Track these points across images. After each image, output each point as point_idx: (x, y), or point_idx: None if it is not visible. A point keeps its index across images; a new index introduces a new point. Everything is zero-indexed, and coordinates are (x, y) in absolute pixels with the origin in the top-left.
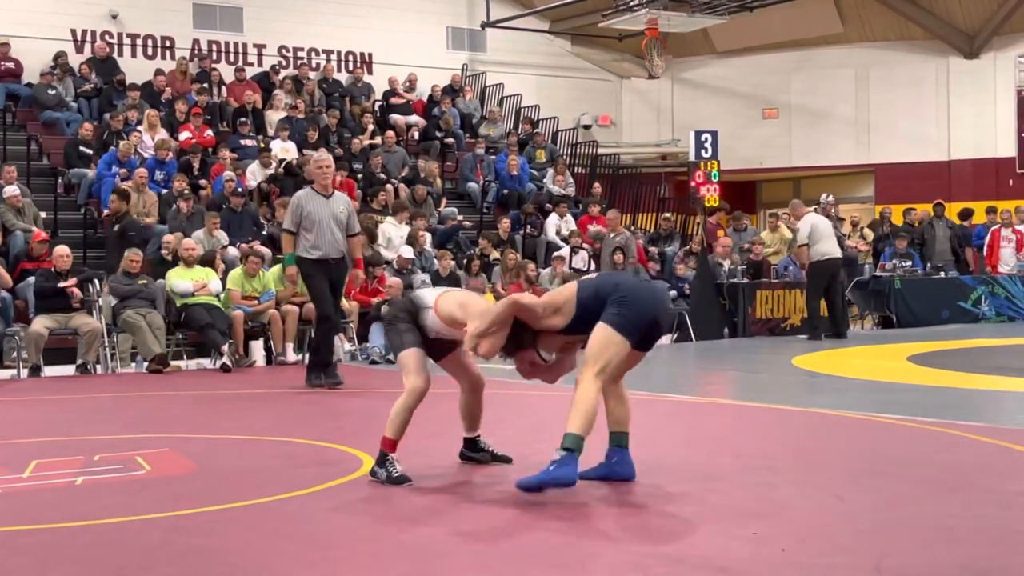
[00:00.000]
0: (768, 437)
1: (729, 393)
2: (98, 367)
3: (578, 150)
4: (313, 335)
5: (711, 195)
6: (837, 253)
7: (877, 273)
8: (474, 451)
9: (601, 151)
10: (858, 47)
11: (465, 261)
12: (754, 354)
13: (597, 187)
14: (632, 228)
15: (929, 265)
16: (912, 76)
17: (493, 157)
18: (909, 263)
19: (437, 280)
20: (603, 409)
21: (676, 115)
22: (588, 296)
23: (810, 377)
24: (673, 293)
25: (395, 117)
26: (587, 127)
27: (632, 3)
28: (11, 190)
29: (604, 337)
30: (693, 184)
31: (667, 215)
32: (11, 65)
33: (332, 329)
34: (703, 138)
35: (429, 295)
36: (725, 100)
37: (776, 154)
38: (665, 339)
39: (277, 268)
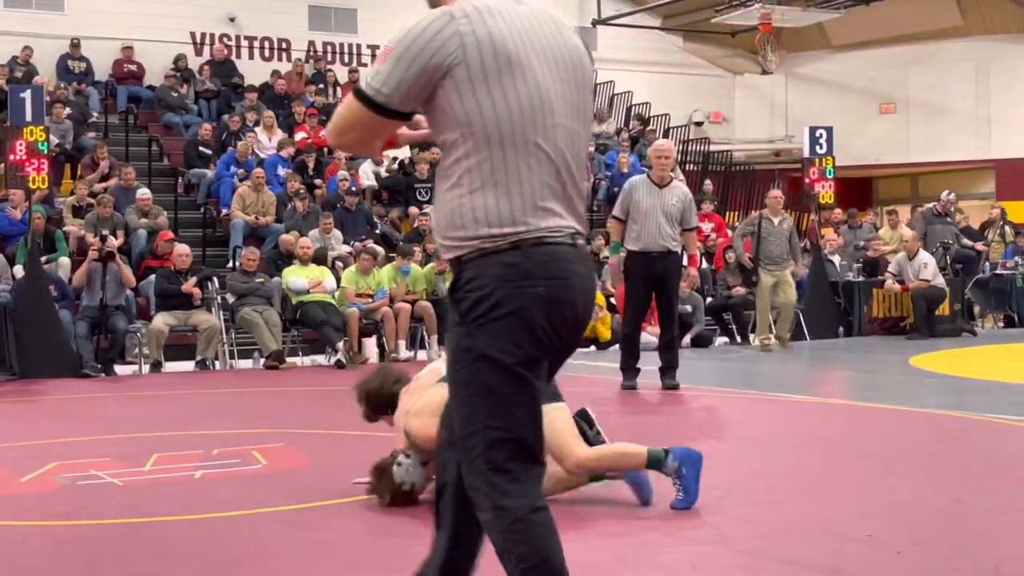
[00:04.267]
0: (885, 438)
1: (844, 393)
2: (216, 363)
3: (690, 147)
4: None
5: (826, 192)
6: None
7: (998, 271)
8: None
9: (713, 148)
10: (978, 40)
11: None
12: (870, 353)
13: (709, 184)
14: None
15: None
16: None
17: (604, 155)
18: None
19: None
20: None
21: (790, 111)
22: None
23: (928, 377)
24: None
25: None
26: (699, 124)
27: None
28: (142, 193)
29: (557, 418)
30: (807, 181)
31: None
32: (133, 68)
33: (632, 339)
34: (818, 134)
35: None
36: (840, 95)
37: (893, 150)
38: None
39: (390, 266)
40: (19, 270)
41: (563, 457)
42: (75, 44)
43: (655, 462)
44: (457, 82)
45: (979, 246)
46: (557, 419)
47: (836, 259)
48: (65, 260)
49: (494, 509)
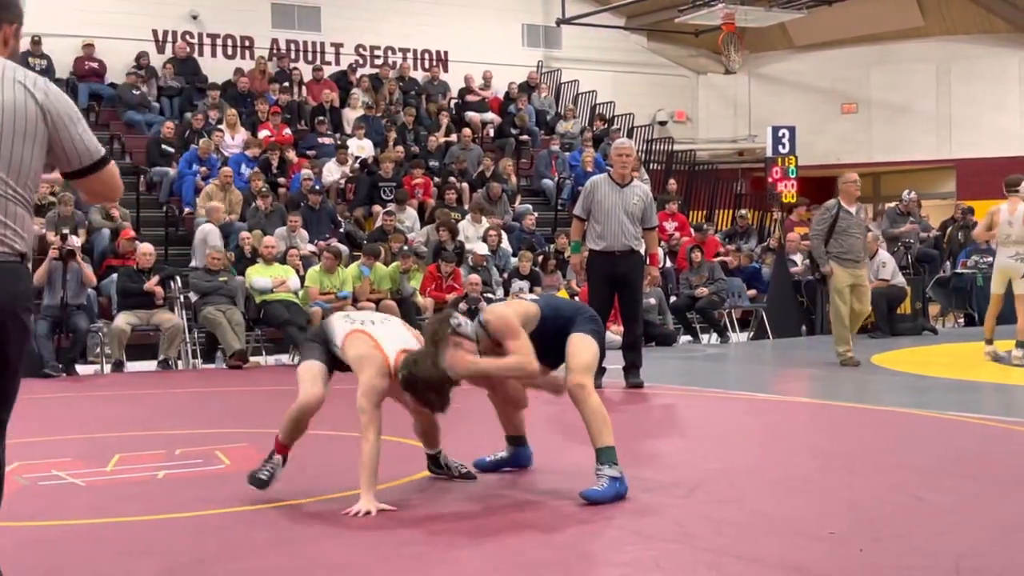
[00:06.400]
0: (845, 436)
1: (806, 392)
2: (179, 363)
3: (654, 146)
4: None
5: (789, 191)
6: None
7: (959, 270)
8: (437, 468)
9: (677, 147)
10: (939, 40)
11: (540, 259)
12: (832, 352)
13: (673, 184)
14: (707, 225)
15: None
16: (995, 70)
17: (568, 154)
18: (991, 260)
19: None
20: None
21: (753, 110)
22: (548, 316)
23: (889, 376)
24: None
25: (471, 114)
26: (663, 123)
27: None
28: None
29: (593, 347)
30: (770, 180)
31: (743, 212)
32: (95, 65)
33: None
34: (780, 133)
35: (340, 330)
36: (803, 95)
37: (855, 150)
38: (742, 336)
39: (354, 265)
40: None
41: (573, 371)
42: (36, 41)
43: (606, 455)
44: None
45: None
46: (588, 349)
47: (797, 258)
48: None
49: None
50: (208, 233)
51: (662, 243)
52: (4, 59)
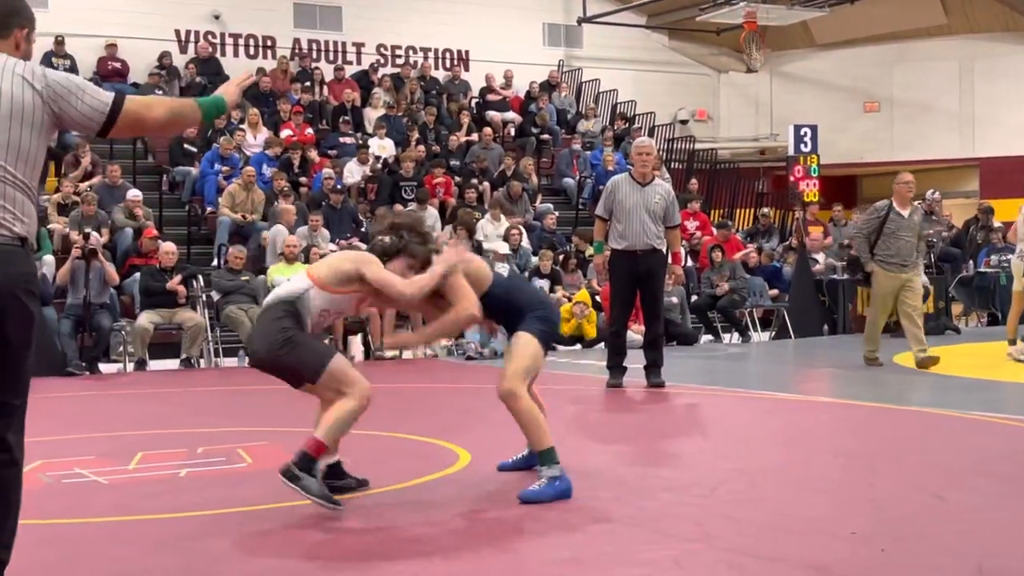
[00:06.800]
0: (867, 436)
1: (828, 391)
2: (201, 361)
3: (675, 145)
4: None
5: (810, 190)
6: None
7: (981, 269)
8: (340, 478)
9: (698, 146)
10: (962, 39)
11: (560, 258)
12: (854, 351)
13: (694, 183)
14: (729, 223)
15: None
16: (1018, 68)
17: (589, 153)
18: (1009, 258)
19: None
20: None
21: (775, 109)
22: (498, 295)
23: (911, 375)
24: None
25: (491, 114)
26: (684, 122)
27: None
28: (133, 195)
29: (535, 351)
30: (792, 179)
31: (765, 210)
32: (118, 65)
33: (619, 336)
34: (802, 132)
35: (294, 281)
36: (825, 94)
37: (877, 148)
38: (763, 336)
39: None
40: None
41: (507, 377)
42: (59, 41)
43: (545, 457)
44: None
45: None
46: (529, 354)
47: (820, 257)
48: (49, 258)
49: None
50: (277, 235)
51: (683, 242)
52: (6, 55)
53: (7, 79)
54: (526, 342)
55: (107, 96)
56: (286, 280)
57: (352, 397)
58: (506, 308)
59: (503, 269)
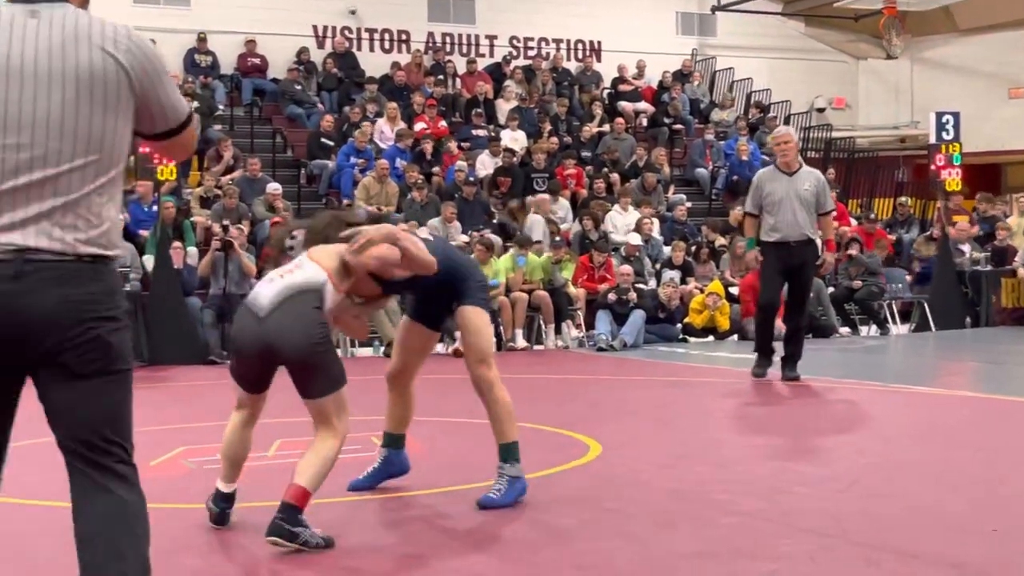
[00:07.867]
0: (1010, 431)
1: (969, 385)
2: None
3: (812, 134)
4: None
5: (953, 179)
6: None
7: None
8: (230, 505)
9: (836, 135)
10: None
11: (693, 249)
12: (997, 344)
13: (831, 172)
14: (872, 215)
15: None
16: None
17: (723, 143)
18: None
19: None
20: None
21: (915, 96)
22: (440, 259)
23: None
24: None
25: (624, 104)
26: (821, 110)
27: None
28: (272, 188)
29: (488, 326)
30: (933, 168)
31: (904, 200)
32: (257, 61)
33: (768, 319)
34: (944, 119)
35: (308, 270)
36: (968, 80)
37: (1023, 135)
38: (903, 328)
39: (508, 256)
40: (148, 260)
41: (484, 360)
42: (201, 38)
43: (510, 451)
44: None
45: None
46: (487, 330)
47: (966, 248)
48: (192, 249)
49: None
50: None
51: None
52: (77, 10)
53: (84, 50)
54: (479, 315)
55: (183, 99)
56: None
57: (337, 435)
58: (451, 270)
59: (425, 232)
